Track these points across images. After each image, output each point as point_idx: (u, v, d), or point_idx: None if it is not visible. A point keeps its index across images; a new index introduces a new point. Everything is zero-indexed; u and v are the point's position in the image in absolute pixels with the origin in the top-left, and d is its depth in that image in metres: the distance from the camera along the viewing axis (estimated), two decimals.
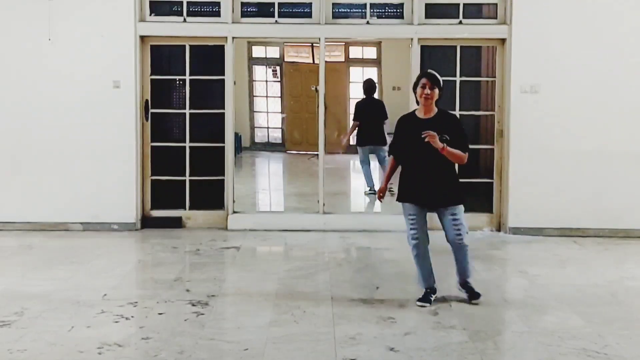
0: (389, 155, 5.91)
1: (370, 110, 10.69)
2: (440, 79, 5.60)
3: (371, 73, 16.04)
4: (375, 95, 11.04)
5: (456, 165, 5.79)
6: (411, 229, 5.65)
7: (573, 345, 4.80)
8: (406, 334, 5.03)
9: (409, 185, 5.62)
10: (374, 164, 10.90)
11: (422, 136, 5.38)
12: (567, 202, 8.23)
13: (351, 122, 11.73)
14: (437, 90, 5.54)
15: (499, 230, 8.47)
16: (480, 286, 6.18)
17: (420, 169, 5.56)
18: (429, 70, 5.70)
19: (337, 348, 4.73)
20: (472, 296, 5.72)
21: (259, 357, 4.57)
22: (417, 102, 5.65)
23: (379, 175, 10.97)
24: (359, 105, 10.97)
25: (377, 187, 10.46)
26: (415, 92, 5.63)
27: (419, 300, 5.65)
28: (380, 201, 5.94)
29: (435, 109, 5.60)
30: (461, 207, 5.61)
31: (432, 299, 5.67)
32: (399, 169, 5.77)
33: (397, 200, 5.72)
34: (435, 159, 5.47)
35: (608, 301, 5.84)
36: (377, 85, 11.35)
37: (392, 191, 9.95)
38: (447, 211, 5.57)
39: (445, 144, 5.40)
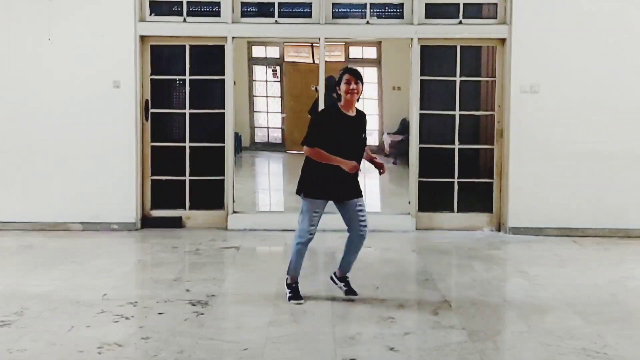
0: (310, 147, 5.60)
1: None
2: (362, 75, 5.64)
3: (371, 73, 16.03)
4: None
5: None
6: (311, 225, 5.69)
7: (573, 345, 4.80)
8: (406, 334, 5.03)
9: (324, 181, 5.57)
10: None
11: (381, 174, 5.73)
12: (567, 202, 8.23)
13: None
14: (361, 86, 5.56)
15: (499, 230, 8.47)
16: (480, 286, 6.19)
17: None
18: (350, 67, 5.75)
19: (337, 348, 4.73)
20: (350, 291, 5.80)
21: (258, 357, 4.57)
22: (338, 99, 5.61)
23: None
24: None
25: None
26: (338, 89, 5.60)
27: (292, 298, 5.68)
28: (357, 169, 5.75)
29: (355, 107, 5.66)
30: (363, 199, 5.71)
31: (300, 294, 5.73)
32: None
33: (306, 196, 5.64)
34: (355, 156, 5.58)
35: (608, 301, 5.84)
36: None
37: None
38: (354, 202, 5.66)
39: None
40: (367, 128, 5.80)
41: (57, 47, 8.19)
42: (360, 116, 5.71)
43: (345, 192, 5.66)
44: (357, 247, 5.80)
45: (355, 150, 5.62)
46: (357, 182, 5.70)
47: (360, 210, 5.69)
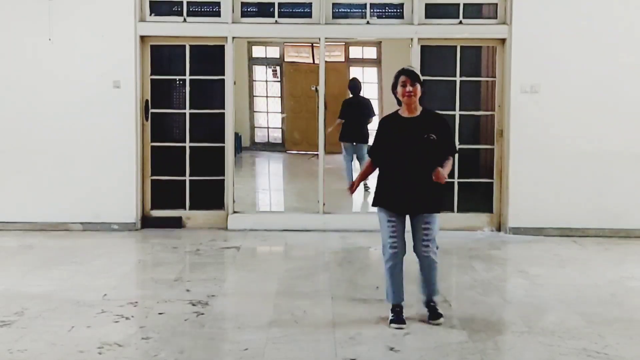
0: (369, 156, 5.46)
1: (355, 108, 10.87)
2: (419, 74, 5.24)
3: (371, 73, 16.03)
4: (366, 95, 11.18)
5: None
6: (390, 236, 5.17)
7: (573, 345, 4.80)
8: (406, 334, 5.02)
9: (388, 190, 5.21)
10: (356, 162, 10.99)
11: (434, 180, 5.04)
12: (567, 202, 8.23)
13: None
14: (418, 87, 5.17)
15: (499, 230, 8.47)
16: (480, 286, 6.19)
17: (402, 172, 5.16)
18: (407, 67, 5.35)
19: (337, 348, 4.73)
20: (434, 316, 5.22)
21: (259, 357, 4.57)
22: (399, 103, 5.27)
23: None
24: (344, 103, 11.20)
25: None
26: (395, 92, 5.23)
27: (393, 321, 5.13)
28: (350, 194, 5.57)
29: (420, 108, 5.24)
30: (436, 217, 5.18)
31: (404, 317, 5.18)
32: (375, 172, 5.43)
33: (373, 205, 5.32)
34: (418, 161, 5.12)
35: (608, 301, 5.84)
36: (361, 84, 11.58)
37: (367, 187, 9.91)
38: (421, 218, 5.15)
39: (442, 169, 5.06)
40: (440, 129, 5.22)
41: (57, 47, 8.18)
42: (426, 116, 5.24)
43: (409, 205, 5.17)
44: (424, 269, 5.24)
45: (418, 153, 5.12)
46: (429, 195, 5.14)
47: (426, 229, 5.13)
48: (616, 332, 5.08)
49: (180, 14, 8.49)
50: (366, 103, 11.11)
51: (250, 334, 4.97)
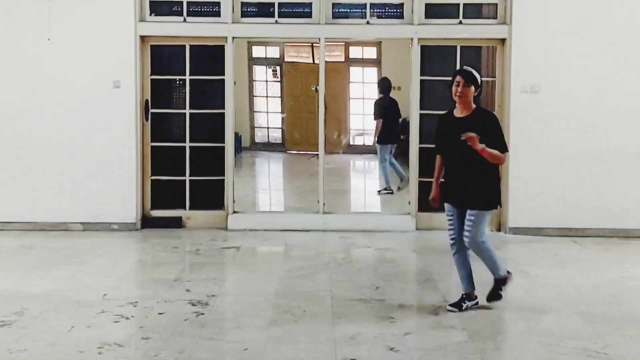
0: (435, 155, 5.71)
1: (389, 109, 10.74)
2: (478, 76, 5.39)
3: (371, 73, 16.03)
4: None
5: (498, 168, 5.54)
6: (449, 229, 5.55)
7: (573, 345, 4.80)
8: (406, 333, 5.03)
9: (447, 185, 5.54)
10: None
11: (462, 138, 5.20)
12: (567, 202, 8.23)
13: (350, 122, 11.68)
14: (472, 88, 5.33)
15: (499, 230, 8.46)
16: (480, 286, 6.18)
17: (456, 169, 5.43)
18: (465, 67, 5.53)
19: (337, 348, 4.73)
20: (491, 295, 5.59)
21: (259, 357, 4.57)
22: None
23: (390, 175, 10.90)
24: (379, 103, 10.93)
25: (393, 187, 10.49)
26: (450, 90, 5.45)
27: (450, 304, 5.52)
28: (437, 203, 5.69)
29: (473, 107, 5.40)
30: (482, 213, 5.37)
31: (465, 306, 5.48)
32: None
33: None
34: (470, 159, 5.28)
35: (608, 301, 5.84)
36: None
37: (402, 177, 9.79)
38: (467, 212, 5.41)
39: (484, 145, 5.20)
40: (489, 128, 5.37)
41: (57, 47, 8.18)
42: (476, 115, 5.40)
43: (459, 199, 5.45)
44: (477, 255, 5.53)
45: (463, 152, 5.28)
46: (480, 191, 5.37)
47: (470, 220, 5.37)
48: (616, 332, 5.08)
49: (180, 14, 8.49)
50: (396, 103, 10.95)
51: (250, 334, 4.98)
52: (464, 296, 5.54)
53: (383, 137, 10.70)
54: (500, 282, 5.61)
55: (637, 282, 6.47)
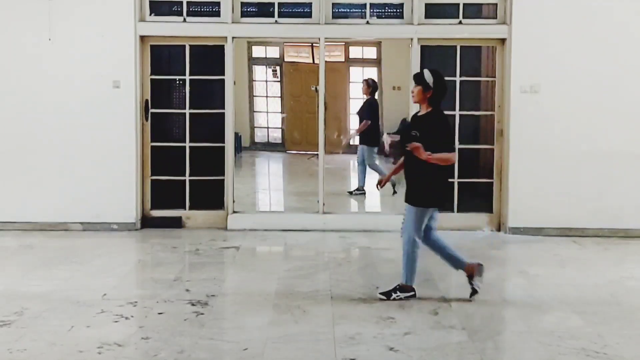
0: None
1: (377, 111, 10.74)
2: (429, 77, 5.58)
3: (371, 73, 16.03)
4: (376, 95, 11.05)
5: (438, 169, 5.58)
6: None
7: (573, 345, 4.80)
8: (406, 333, 5.03)
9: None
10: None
11: (407, 149, 5.54)
12: (567, 202, 8.23)
13: (350, 122, 11.60)
14: (420, 88, 5.60)
15: (499, 230, 8.47)
16: (480, 286, 6.19)
17: (405, 164, 5.77)
18: (423, 70, 5.78)
19: (336, 348, 4.73)
20: (384, 293, 5.77)
21: (258, 357, 4.57)
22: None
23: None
24: (370, 105, 10.82)
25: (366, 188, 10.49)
26: None
27: (382, 292, 5.80)
28: (378, 189, 6.22)
29: (429, 108, 5.63)
30: (411, 208, 5.65)
31: (396, 296, 5.72)
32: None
33: None
34: (410, 156, 5.59)
35: (608, 301, 5.84)
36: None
37: (394, 182, 9.83)
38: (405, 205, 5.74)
39: (429, 153, 5.43)
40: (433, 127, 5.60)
41: (57, 47, 8.18)
42: (429, 116, 5.64)
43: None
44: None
45: (409, 151, 5.60)
46: (415, 188, 5.68)
47: (406, 217, 5.73)
48: (615, 332, 5.08)
49: (180, 14, 8.49)
50: (378, 105, 10.93)
51: (250, 334, 4.98)
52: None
53: (371, 139, 10.65)
54: (402, 288, 5.76)
55: (636, 282, 6.47)
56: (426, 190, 5.64)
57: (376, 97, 10.96)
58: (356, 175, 11.11)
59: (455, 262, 5.84)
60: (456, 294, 6.05)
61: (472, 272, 5.76)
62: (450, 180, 8.46)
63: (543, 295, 5.98)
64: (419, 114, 5.72)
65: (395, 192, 10.11)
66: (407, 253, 5.74)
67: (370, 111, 10.73)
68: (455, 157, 5.68)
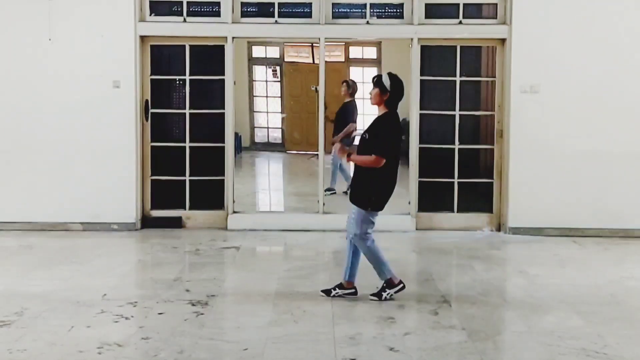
0: None
1: (355, 112, 10.60)
2: (386, 80, 5.70)
3: (371, 73, 16.01)
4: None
5: (377, 172, 5.63)
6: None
7: (573, 345, 4.80)
8: (406, 334, 5.03)
9: None
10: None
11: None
12: (567, 202, 8.23)
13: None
14: (376, 90, 5.73)
15: (499, 230, 8.47)
16: (480, 286, 6.20)
17: (354, 169, 5.92)
18: (387, 73, 5.86)
19: (336, 348, 4.73)
20: (375, 294, 5.77)
21: (258, 357, 4.57)
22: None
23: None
24: (351, 107, 10.67)
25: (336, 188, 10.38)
26: None
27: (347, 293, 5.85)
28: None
29: (385, 110, 5.76)
30: (356, 208, 5.69)
31: (335, 293, 5.80)
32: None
33: None
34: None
35: (608, 301, 5.84)
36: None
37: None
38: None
39: (352, 155, 5.81)
40: (374, 129, 5.77)
41: (57, 47, 8.18)
42: (379, 118, 5.81)
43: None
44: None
45: (359, 150, 5.82)
46: (356, 190, 5.79)
47: (351, 217, 5.79)
48: (615, 332, 5.08)
49: (180, 14, 8.49)
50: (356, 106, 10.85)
51: (250, 334, 4.98)
52: (338, 285, 5.85)
53: (350, 140, 10.44)
54: (389, 285, 5.77)
55: (636, 282, 6.47)
56: (367, 194, 5.67)
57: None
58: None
59: (382, 268, 5.81)
60: (456, 294, 6.05)
61: (393, 284, 5.76)
62: (449, 180, 8.54)
63: (543, 295, 5.98)
64: (377, 116, 5.83)
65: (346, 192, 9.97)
66: (366, 251, 5.76)
67: (355, 114, 10.63)
68: (380, 161, 5.57)
